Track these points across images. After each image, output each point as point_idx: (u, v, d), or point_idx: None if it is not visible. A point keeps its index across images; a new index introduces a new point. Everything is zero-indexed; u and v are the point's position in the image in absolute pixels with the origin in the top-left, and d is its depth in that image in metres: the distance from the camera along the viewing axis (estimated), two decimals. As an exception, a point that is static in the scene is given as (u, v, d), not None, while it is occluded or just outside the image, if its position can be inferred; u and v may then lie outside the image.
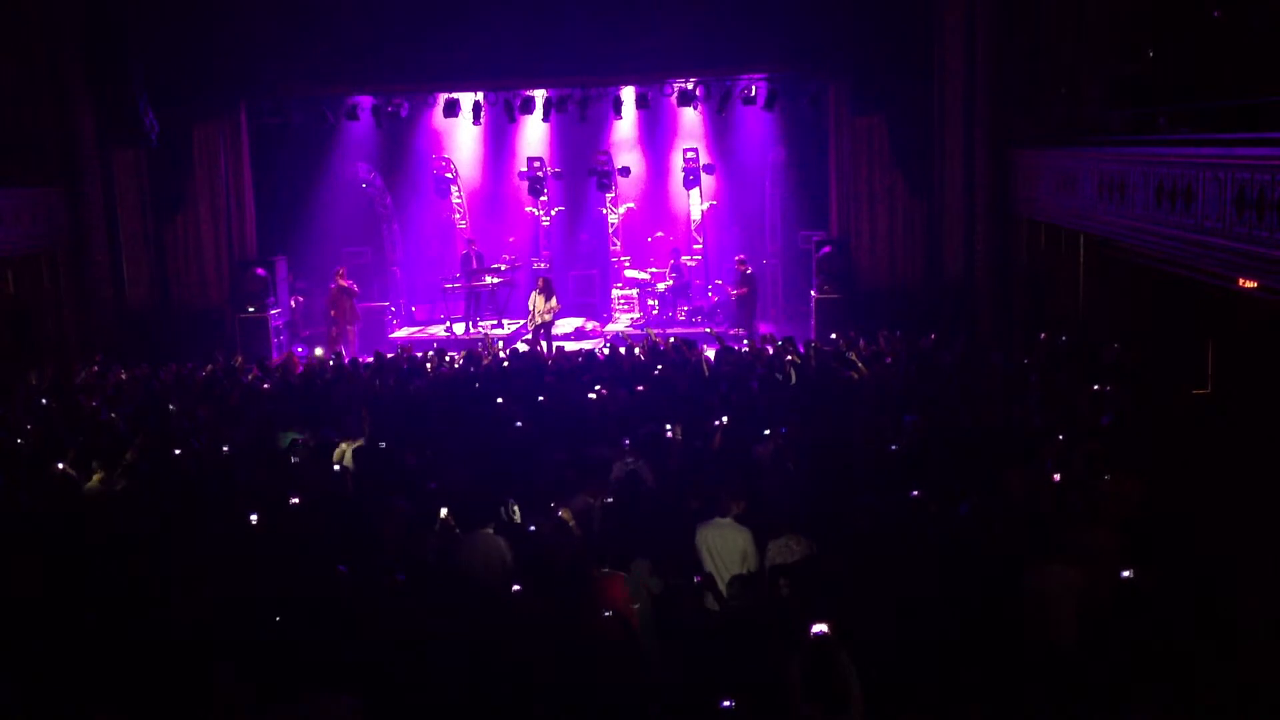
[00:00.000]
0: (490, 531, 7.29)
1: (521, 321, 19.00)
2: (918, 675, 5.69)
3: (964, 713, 5.49)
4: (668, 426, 9.53)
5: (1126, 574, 6.21)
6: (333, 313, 18.40)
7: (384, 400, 11.84)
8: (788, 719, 5.37)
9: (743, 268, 18.50)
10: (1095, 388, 10.51)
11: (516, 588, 6.43)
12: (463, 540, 7.30)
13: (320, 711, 5.19)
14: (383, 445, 9.64)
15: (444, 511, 7.56)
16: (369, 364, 14.17)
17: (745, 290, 18.35)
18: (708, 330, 17.35)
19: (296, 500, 8.12)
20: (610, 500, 7.96)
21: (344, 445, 9.72)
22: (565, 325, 19.56)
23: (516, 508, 7.87)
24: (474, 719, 5.55)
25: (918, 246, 17.48)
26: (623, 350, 14.04)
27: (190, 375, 14.01)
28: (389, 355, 14.57)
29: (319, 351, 15.37)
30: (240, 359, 15.17)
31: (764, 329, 17.74)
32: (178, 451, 9.71)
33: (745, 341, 15.78)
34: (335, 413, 11.07)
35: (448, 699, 5.56)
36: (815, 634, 5.38)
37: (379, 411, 10.98)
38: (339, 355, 15.28)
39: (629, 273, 21.10)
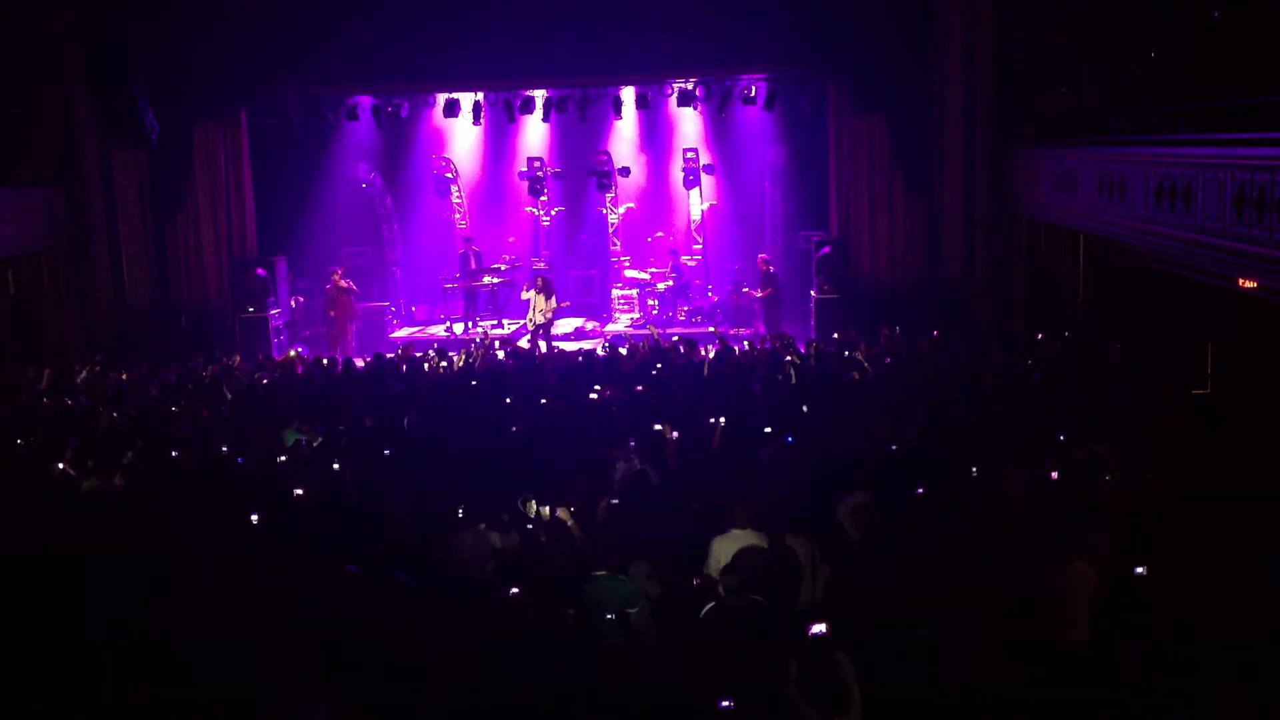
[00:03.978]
0: (481, 528, 7.28)
1: (522, 321, 19.00)
2: (921, 675, 5.69)
3: (969, 713, 5.50)
4: (657, 426, 9.46)
5: (1140, 570, 6.22)
6: (332, 313, 18.38)
7: (383, 401, 11.82)
8: (787, 719, 5.37)
9: (765, 267, 18.40)
10: (1095, 388, 10.50)
11: (514, 590, 6.40)
12: (452, 538, 7.30)
13: (301, 711, 5.17)
14: (387, 452, 9.60)
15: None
16: (368, 363, 14.15)
17: (770, 291, 18.25)
18: (711, 329, 17.31)
19: (299, 492, 8.13)
20: (616, 501, 7.93)
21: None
22: (565, 325, 19.57)
23: (534, 503, 7.83)
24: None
25: (918, 246, 17.47)
26: (624, 350, 14.02)
27: (191, 375, 14.01)
28: (387, 356, 14.55)
29: (293, 354, 15.28)
30: (239, 359, 15.15)
31: (764, 329, 17.74)
32: (175, 453, 9.70)
33: (745, 342, 15.76)
34: (338, 412, 11.08)
35: (443, 701, 5.56)
36: (813, 634, 5.39)
37: (380, 412, 11.00)
38: (335, 357, 15.26)
39: (629, 273, 21.09)
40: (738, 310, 19.64)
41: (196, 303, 17.91)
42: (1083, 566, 6.32)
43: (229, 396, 12.47)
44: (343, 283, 18.35)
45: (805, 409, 10.39)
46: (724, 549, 6.92)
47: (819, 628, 5.39)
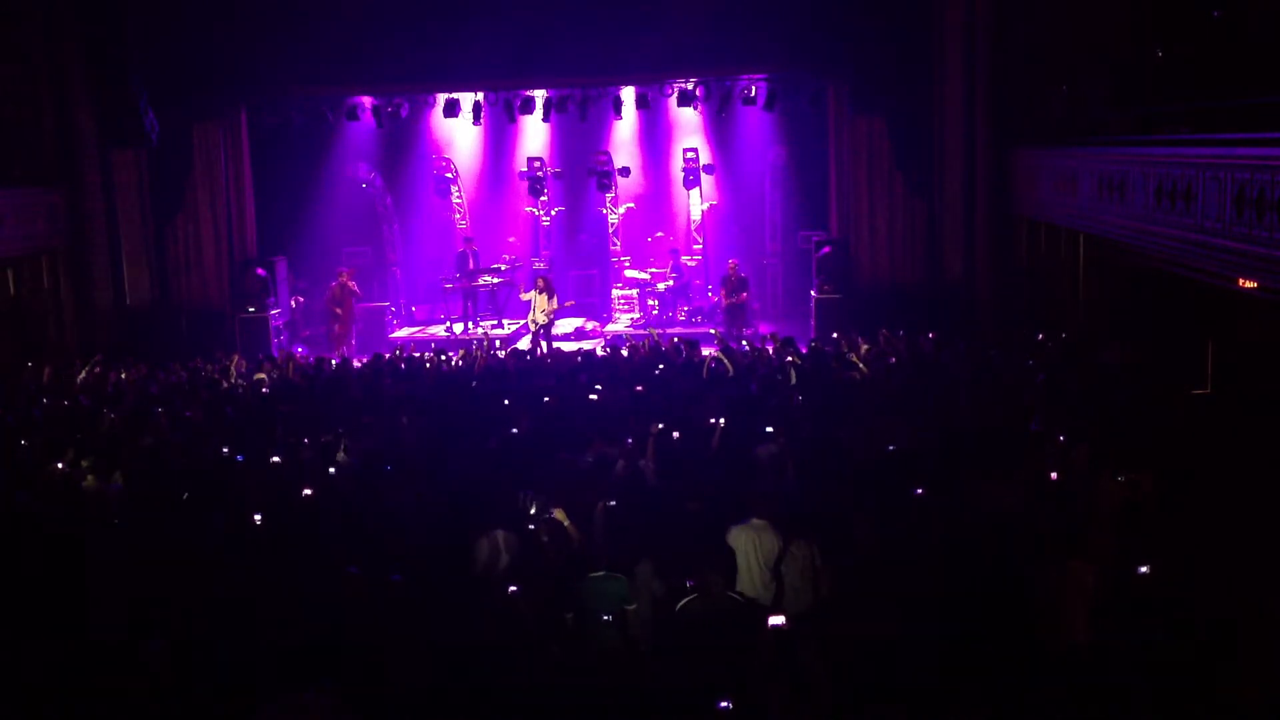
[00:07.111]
0: (492, 533, 7.27)
1: (522, 321, 19.00)
2: (920, 676, 5.68)
3: (969, 713, 5.49)
4: (660, 426, 9.42)
5: (1144, 569, 6.21)
6: (337, 310, 18.40)
7: (382, 402, 11.82)
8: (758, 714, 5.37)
9: (734, 272, 18.38)
10: (1095, 388, 10.50)
11: (513, 589, 6.41)
12: (461, 539, 7.28)
13: (301, 710, 5.17)
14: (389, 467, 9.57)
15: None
16: (366, 364, 14.15)
17: (744, 296, 18.23)
18: (711, 331, 17.30)
19: (309, 492, 8.13)
20: (614, 503, 7.91)
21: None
22: (565, 325, 19.57)
23: (533, 502, 7.81)
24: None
25: (918, 246, 17.48)
26: (624, 351, 14.01)
27: (194, 375, 14.01)
28: (386, 356, 14.54)
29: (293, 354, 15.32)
30: (238, 358, 15.14)
31: (764, 329, 17.73)
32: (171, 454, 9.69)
33: (744, 342, 15.75)
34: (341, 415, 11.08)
35: (439, 699, 5.56)
36: (773, 626, 5.38)
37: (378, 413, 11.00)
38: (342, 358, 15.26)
39: (629, 273, 21.09)
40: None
41: (196, 303, 17.92)
42: (1081, 566, 6.31)
43: (237, 396, 12.46)
44: (350, 284, 18.39)
45: (804, 409, 10.38)
46: (740, 537, 6.95)
47: (777, 619, 5.39)
